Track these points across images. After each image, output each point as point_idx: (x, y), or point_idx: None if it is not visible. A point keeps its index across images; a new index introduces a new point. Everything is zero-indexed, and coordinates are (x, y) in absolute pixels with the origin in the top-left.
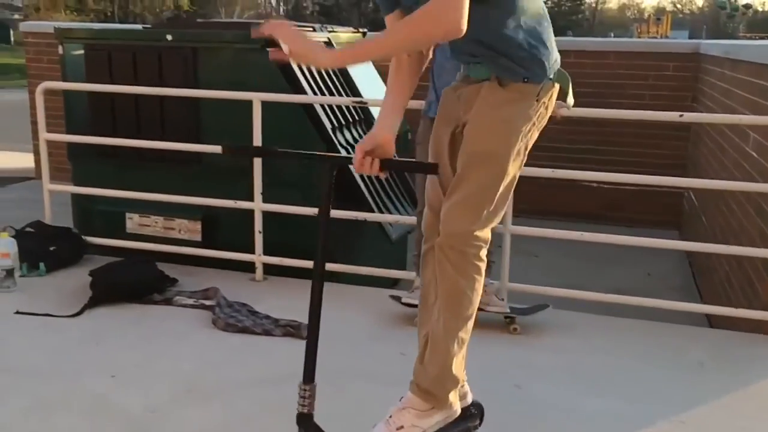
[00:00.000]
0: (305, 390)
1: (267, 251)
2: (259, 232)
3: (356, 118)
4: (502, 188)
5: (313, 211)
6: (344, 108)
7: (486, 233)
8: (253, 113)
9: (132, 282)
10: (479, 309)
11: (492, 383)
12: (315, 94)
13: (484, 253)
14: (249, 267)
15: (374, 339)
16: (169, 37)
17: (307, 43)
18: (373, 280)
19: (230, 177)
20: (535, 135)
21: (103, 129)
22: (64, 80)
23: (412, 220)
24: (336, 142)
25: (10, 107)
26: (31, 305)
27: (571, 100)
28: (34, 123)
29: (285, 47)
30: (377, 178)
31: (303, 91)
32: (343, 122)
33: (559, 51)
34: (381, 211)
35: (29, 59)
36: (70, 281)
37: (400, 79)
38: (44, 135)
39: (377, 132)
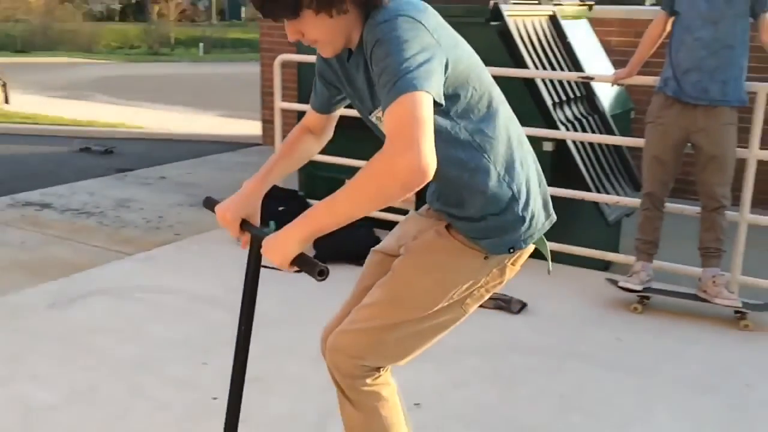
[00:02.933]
0: None
1: None
2: None
3: (578, 94)
4: (410, 333)
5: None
6: (565, 83)
7: (378, 362)
8: None
9: (351, 245)
10: (705, 300)
11: (719, 381)
12: (537, 68)
13: (376, 377)
14: None
15: (588, 321)
16: None
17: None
18: (582, 260)
19: None
20: (483, 296)
21: None
22: (300, 53)
23: (631, 202)
24: (555, 119)
25: (238, 79)
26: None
27: (549, 265)
28: (265, 94)
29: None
30: (596, 156)
31: (525, 65)
32: (564, 98)
33: None
34: (599, 191)
35: (263, 33)
36: None
37: (301, 148)
38: (279, 104)
39: (253, 198)
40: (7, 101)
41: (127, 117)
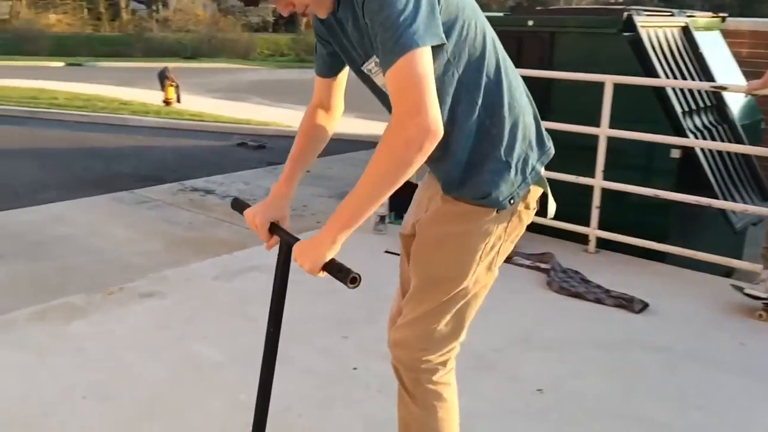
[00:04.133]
0: None
1: (602, 226)
2: (597, 207)
3: (708, 103)
4: (459, 307)
5: (652, 191)
6: (695, 92)
7: (442, 355)
8: (604, 95)
9: None
10: None
11: None
12: (667, 77)
13: (442, 375)
14: (582, 239)
15: (710, 325)
16: (530, 23)
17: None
18: (705, 266)
19: (574, 154)
20: (508, 248)
21: None
22: None
23: (759, 210)
24: (684, 127)
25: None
26: (397, 247)
27: (552, 207)
28: None
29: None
30: (724, 165)
31: (655, 74)
32: (694, 107)
33: None
34: (726, 199)
35: None
36: None
37: (315, 132)
38: None
39: (282, 201)
40: (179, 100)
41: (277, 117)
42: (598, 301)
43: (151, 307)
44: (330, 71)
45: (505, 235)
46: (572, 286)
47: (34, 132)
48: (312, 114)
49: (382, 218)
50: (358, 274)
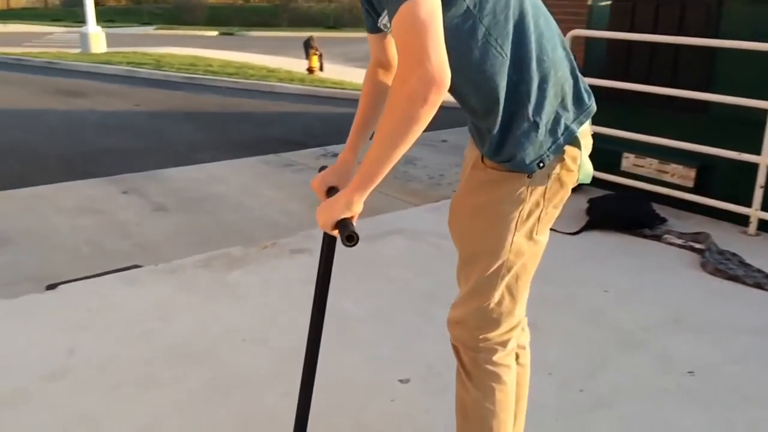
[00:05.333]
0: None
1: (765, 207)
2: (761, 187)
3: None
4: (507, 282)
5: None
6: None
7: (502, 334)
8: None
9: (626, 215)
10: None
11: None
12: None
13: (502, 356)
14: (742, 220)
15: None
16: None
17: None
18: None
19: (737, 128)
20: (552, 213)
21: (617, 73)
22: (589, 28)
23: None
24: None
25: None
26: None
27: (589, 168)
28: None
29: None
30: None
31: None
32: None
33: None
34: None
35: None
36: (571, 204)
37: (376, 93)
38: None
39: (344, 167)
40: (321, 69)
41: None
42: (759, 286)
43: (301, 262)
44: (373, 28)
45: (544, 201)
46: (729, 268)
47: (191, 96)
48: (372, 74)
49: None
50: (354, 233)
